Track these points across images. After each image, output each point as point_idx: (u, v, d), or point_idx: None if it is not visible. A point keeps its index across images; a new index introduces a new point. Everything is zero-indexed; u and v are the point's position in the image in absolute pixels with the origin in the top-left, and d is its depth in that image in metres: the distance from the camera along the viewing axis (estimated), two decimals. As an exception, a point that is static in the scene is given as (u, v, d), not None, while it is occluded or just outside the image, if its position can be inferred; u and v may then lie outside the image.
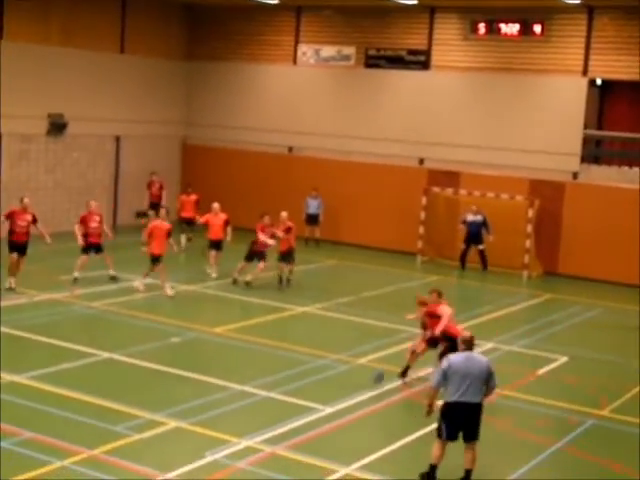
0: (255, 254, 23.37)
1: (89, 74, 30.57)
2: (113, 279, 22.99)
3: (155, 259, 22.00)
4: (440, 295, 16.07)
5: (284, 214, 23.75)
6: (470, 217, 27.57)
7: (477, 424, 11.90)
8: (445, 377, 11.77)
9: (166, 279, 22.02)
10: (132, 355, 16.92)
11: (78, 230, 22.69)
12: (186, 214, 28.23)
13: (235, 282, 23.38)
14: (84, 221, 22.86)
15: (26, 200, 22.03)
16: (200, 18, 34.10)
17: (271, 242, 23.26)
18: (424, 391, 15.63)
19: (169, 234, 22.20)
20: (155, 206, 30.58)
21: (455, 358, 11.89)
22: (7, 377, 15.14)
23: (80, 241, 22.49)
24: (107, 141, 31.69)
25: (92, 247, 22.81)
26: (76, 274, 22.55)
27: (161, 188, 30.71)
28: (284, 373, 16.36)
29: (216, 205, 24.77)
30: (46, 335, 17.93)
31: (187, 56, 34.28)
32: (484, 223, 27.45)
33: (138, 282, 22.28)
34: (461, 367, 11.74)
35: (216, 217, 24.55)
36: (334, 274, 26.48)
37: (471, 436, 11.91)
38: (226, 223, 24.49)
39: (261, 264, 23.23)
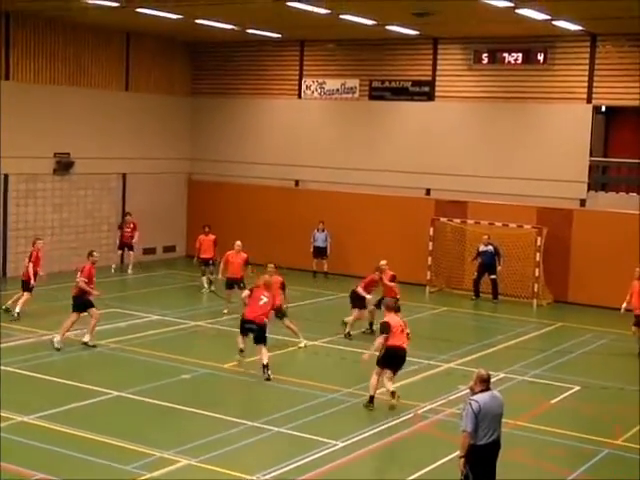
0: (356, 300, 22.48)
1: (94, 112, 30.71)
2: (7, 311, 22.97)
3: (231, 284, 22.44)
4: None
5: (384, 263, 22.85)
6: (482, 247, 27.57)
7: (495, 464, 11.43)
8: (477, 420, 11.06)
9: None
10: (142, 393, 16.82)
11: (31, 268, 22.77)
12: (205, 255, 27.63)
13: (348, 336, 22.33)
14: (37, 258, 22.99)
15: (238, 243, 24.18)
16: (203, 54, 34.29)
17: (369, 296, 22.40)
18: (436, 423, 15.56)
19: (246, 263, 23.85)
20: (125, 246, 30.46)
21: (483, 400, 11.15)
22: (17, 417, 15.05)
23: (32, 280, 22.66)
24: (113, 179, 31.75)
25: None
26: (18, 309, 22.62)
27: (134, 229, 30.47)
28: (295, 408, 16.25)
29: (238, 243, 24.28)
30: (55, 374, 17.87)
31: (191, 92, 34.42)
32: (496, 253, 27.43)
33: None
34: (491, 408, 11.17)
35: (237, 255, 24.10)
36: (342, 307, 26.32)
37: (493, 477, 11.44)
38: (245, 262, 24.08)
39: (356, 312, 22.44)
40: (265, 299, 18.53)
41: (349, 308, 22.54)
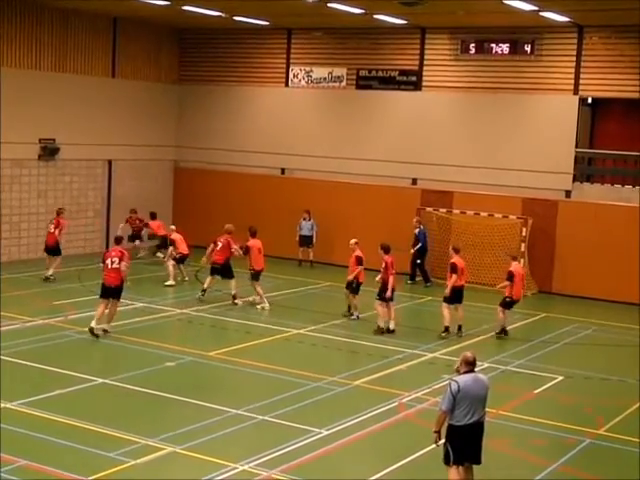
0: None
1: (80, 99, 30.58)
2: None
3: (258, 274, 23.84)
4: None
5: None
6: (415, 231, 27.86)
7: (481, 446, 11.60)
8: (455, 400, 11.28)
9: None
10: (126, 380, 16.82)
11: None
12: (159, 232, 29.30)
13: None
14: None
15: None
16: (190, 41, 34.17)
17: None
18: (420, 412, 15.63)
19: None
20: (135, 237, 30.43)
21: (464, 381, 11.36)
22: (0, 404, 15.03)
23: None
24: (99, 165, 31.66)
25: None
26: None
27: (141, 222, 30.44)
28: (279, 396, 16.27)
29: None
30: (39, 361, 17.83)
31: (178, 79, 34.32)
32: (420, 238, 27.88)
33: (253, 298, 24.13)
34: (471, 389, 11.34)
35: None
36: (328, 296, 26.39)
37: (477, 459, 11.60)
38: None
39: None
40: (220, 245, 23.97)
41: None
